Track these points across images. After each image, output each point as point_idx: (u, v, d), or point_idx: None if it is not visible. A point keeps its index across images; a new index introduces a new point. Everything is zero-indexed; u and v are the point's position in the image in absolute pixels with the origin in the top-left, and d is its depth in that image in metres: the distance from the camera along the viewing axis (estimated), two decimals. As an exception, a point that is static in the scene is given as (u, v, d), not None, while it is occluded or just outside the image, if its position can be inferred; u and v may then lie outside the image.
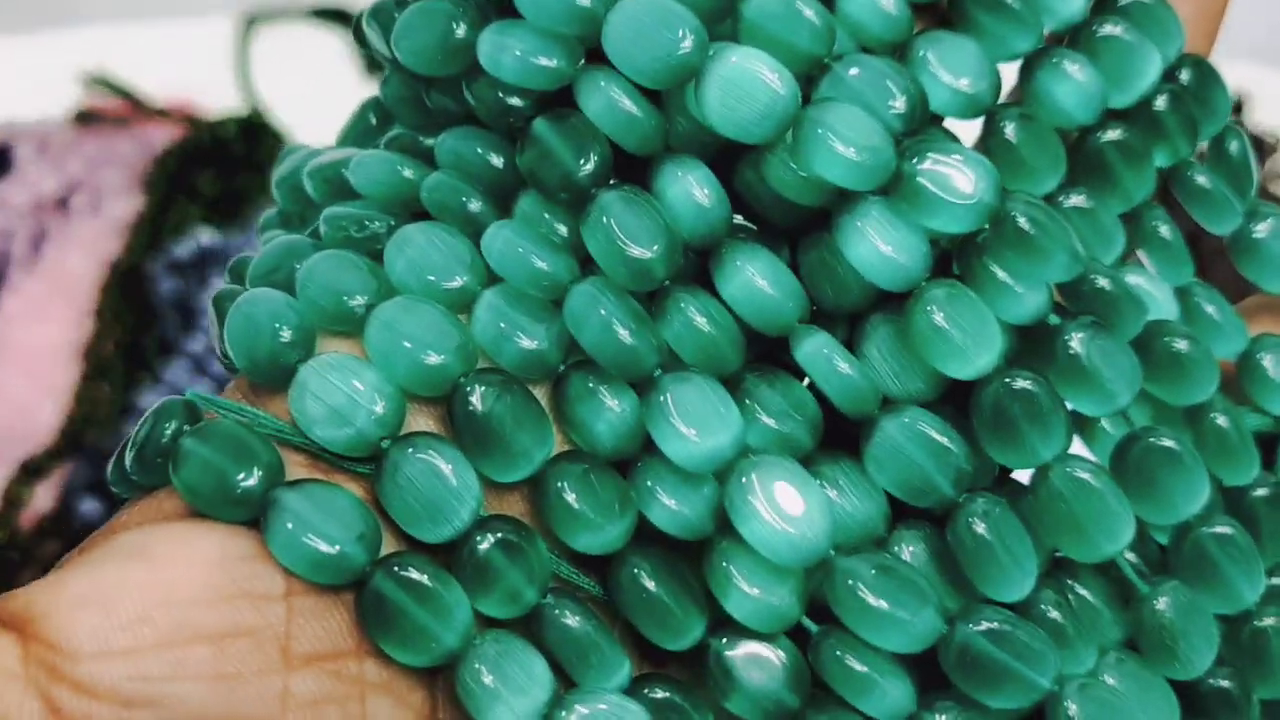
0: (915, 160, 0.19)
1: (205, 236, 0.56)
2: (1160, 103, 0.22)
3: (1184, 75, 0.22)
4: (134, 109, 0.66)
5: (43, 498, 0.47)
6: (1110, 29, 0.21)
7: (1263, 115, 0.67)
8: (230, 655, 0.17)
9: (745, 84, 0.19)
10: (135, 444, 0.19)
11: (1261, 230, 0.23)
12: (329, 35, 0.77)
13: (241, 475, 0.18)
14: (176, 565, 0.17)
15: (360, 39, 0.22)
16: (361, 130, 0.24)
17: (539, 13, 0.19)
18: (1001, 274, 0.20)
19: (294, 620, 0.17)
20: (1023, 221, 0.19)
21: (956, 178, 0.19)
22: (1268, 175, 0.68)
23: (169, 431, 0.19)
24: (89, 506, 0.46)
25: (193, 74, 0.70)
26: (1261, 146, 0.67)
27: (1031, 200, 0.20)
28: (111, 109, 0.65)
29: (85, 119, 0.64)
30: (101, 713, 0.16)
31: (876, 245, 0.19)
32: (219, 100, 0.68)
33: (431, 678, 0.19)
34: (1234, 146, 0.23)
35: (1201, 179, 0.22)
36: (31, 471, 0.47)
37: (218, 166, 0.63)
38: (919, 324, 0.19)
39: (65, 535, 0.46)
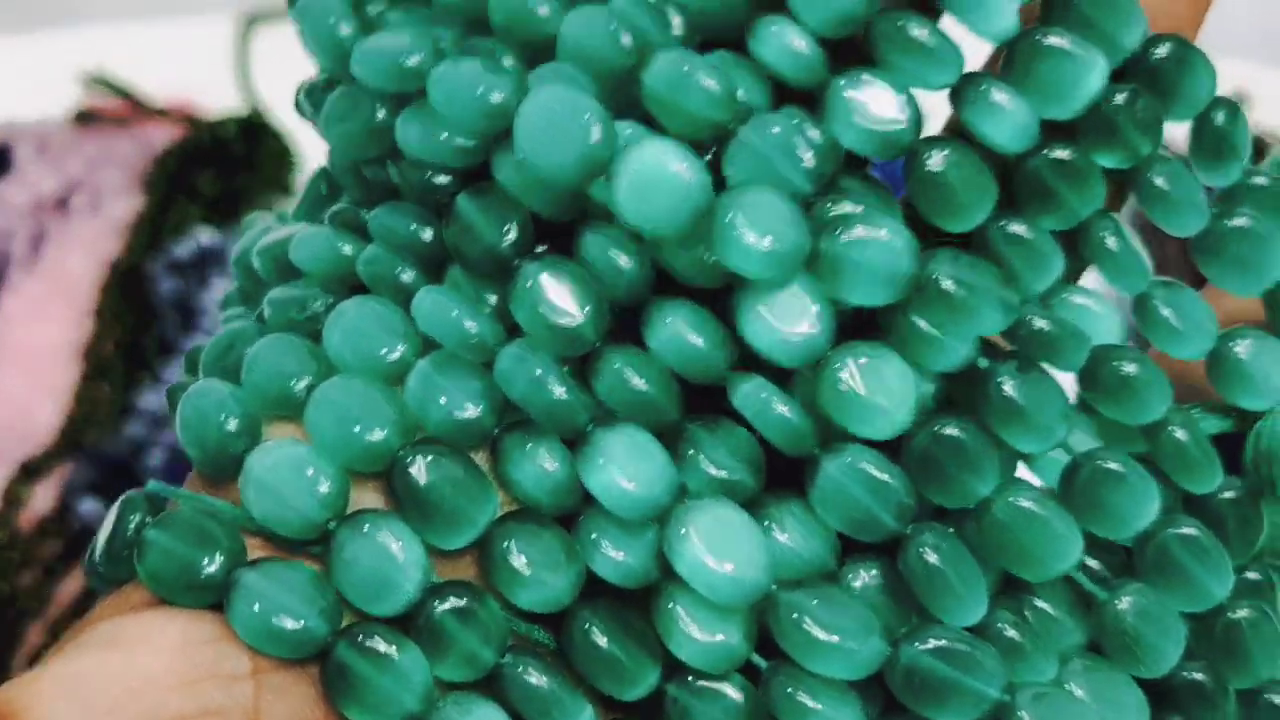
0: (833, 234, 0.19)
1: (205, 236, 0.56)
2: (1114, 102, 0.21)
3: (1153, 57, 0.21)
4: (134, 109, 0.66)
5: (42, 498, 0.47)
6: (1048, 40, 0.21)
7: (1261, 114, 0.67)
8: None
9: (655, 178, 0.19)
10: (104, 539, 0.20)
11: (1237, 222, 0.22)
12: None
13: (204, 561, 0.18)
14: (142, 654, 0.17)
15: (301, 112, 0.23)
16: (313, 200, 0.24)
17: (451, 108, 0.19)
18: (927, 328, 0.20)
19: (262, 697, 0.18)
20: (946, 284, 0.19)
21: (873, 251, 0.19)
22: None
23: (133, 524, 0.19)
24: (88, 506, 0.46)
25: (192, 74, 0.70)
26: (1260, 146, 0.67)
27: (955, 257, 0.20)
28: (111, 109, 0.65)
29: (85, 119, 0.64)
30: None
31: (776, 328, 0.19)
32: (219, 100, 0.69)
33: None
34: (1220, 117, 0.22)
35: (1160, 180, 0.21)
36: (31, 471, 0.47)
37: (217, 166, 0.63)
38: (826, 394, 0.19)
39: (65, 535, 0.46)
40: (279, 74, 0.72)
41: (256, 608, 0.18)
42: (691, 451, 0.20)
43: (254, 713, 0.18)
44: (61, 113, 0.64)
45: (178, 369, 0.51)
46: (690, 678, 0.19)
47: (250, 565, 0.19)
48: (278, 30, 0.76)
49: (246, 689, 0.18)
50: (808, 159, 0.20)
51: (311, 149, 0.67)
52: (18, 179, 0.61)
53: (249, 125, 0.65)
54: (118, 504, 0.20)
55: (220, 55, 0.73)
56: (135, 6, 0.75)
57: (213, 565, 0.18)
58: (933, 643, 0.19)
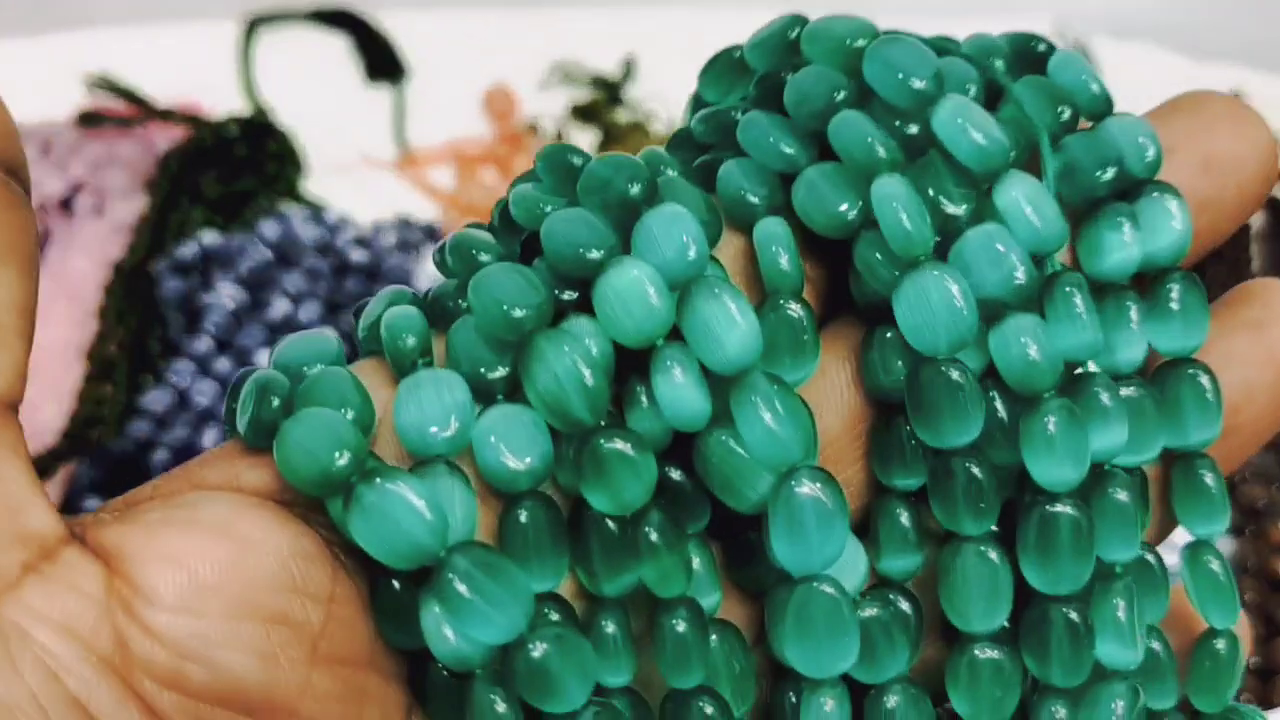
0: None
1: (208, 237, 0.56)
2: None
3: None
4: (138, 111, 0.66)
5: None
6: None
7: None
8: (274, 638, 0.19)
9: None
10: (246, 417, 0.20)
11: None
12: (330, 37, 0.77)
13: (335, 459, 0.19)
14: (254, 551, 0.19)
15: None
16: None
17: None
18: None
19: (329, 624, 0.19)
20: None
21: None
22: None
23: (272, 406, 0.20)
24: (93, 505, 0.46)
25: (196, 76, 0.70)
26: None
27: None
28: (115, 111, 0.66)
29: (89, 120, 0.64)
30: (160, 657, 0.18)
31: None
32: (222, 102, 0.69)
33: (410, 702, 0.21)
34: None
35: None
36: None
37: (221, 168, 0.63)
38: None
39: (69, 534, 0.46)
40: (281, 76, 0.73)
41: (373, 518, 0.19)
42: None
43: (318, 636, 0.19)
44: (66, 114, 0.64)
45: (181, 369, 0.51)
46: None
47: (371, 474, 0.19)
48: (280, 32, 0.77)
49: (320, 613, 0.19)
50: None
51: (313, 150, 0.67)
52: (22, 180, 0.61)
53: (252, 126, 0.65)
54: (254, 384, 0.20)
55: (223, 57, 0.73)
56: (139, 9, 0.75)
57: (341, 463, 0.19)
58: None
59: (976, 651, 0.22)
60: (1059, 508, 0.21)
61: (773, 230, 0.22)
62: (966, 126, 0.21)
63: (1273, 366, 0.24)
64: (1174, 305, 0.23)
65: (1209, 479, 0.23)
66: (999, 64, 0.23)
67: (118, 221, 0.60)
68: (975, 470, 0.21)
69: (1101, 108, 0.23)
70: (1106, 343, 0.22)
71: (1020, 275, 0.21)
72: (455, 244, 0.22)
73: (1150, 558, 0.23)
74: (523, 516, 0.20)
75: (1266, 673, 0.42)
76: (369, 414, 0.20)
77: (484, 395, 0.20)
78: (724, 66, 0.24)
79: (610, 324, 0.20)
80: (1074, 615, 0.21)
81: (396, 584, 0.20)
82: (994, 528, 0.22)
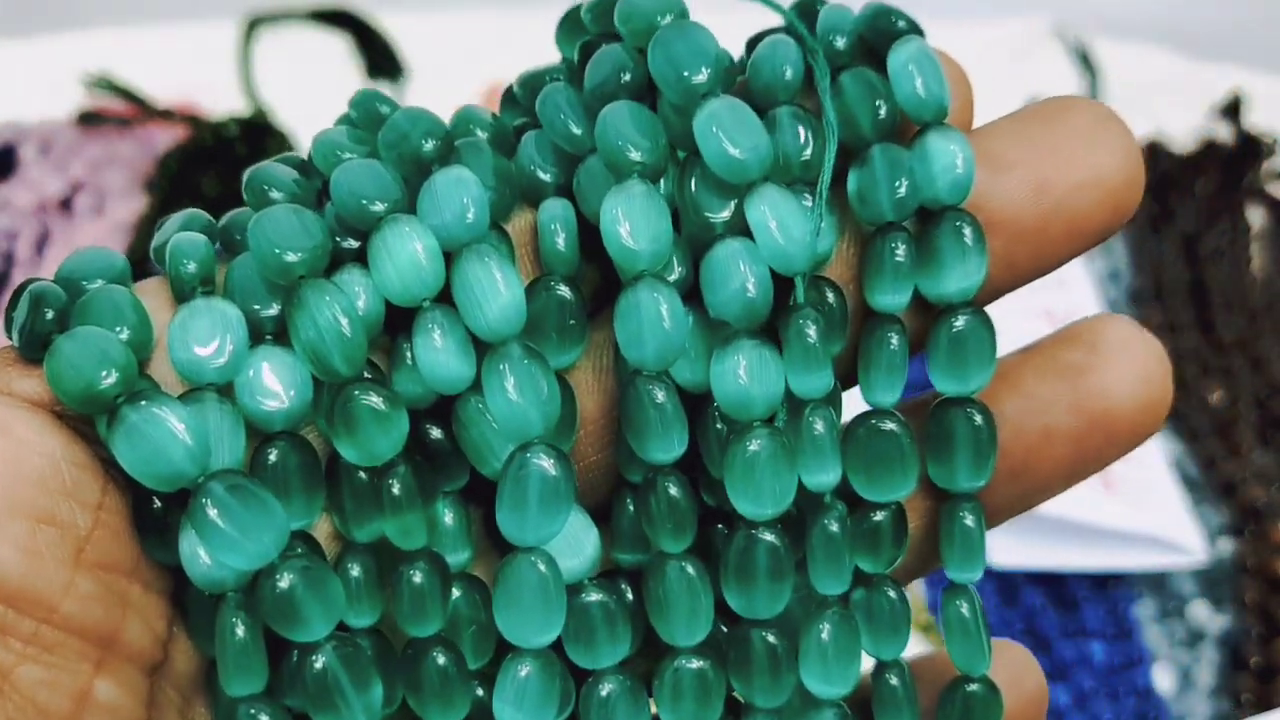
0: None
1: (208, 237, 0.56)
2: None
3: None
4: (137, 110, 0.66)
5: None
6: None
7: (1258, 117, 0.68)
8: (40, 537, 0.19)
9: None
10: (19, 326, 0.20)
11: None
12: (330, 36, 0.77)
13: (102, 377, 0.19)
14: (27, 450, 0.19)
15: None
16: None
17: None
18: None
19: (96, 531, 0.20)
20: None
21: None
22: (1265, 175, 0.69)
23: (46, 319, 0.20)
24: None
25: (196, 76, 0.70)
26: (1259, 147, 0.67)
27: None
28: (115, 110, 0.65)
29: (89, 120, 0.64)
30: None
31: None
32: (221, 101, 0.69)
33: (173, 614, 0.21)
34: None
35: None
36: None
37: (220, 167, 0.63)
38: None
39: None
40: (281, 75, 0.73)
41: (134, 439, 0.19)
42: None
43: (84, 540, 0.20)
44: (65, 114, 0.64)
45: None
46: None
47: (137, 396, 0.19)
48: (279, 32, 0.77)
49: (88, 519, 0.20)
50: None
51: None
52: (22, 180, 0.61)
53: (251, 126, 0.65)
54: (30, 295, 0.20)
55: (223, 57, 0.73)
56: (139, 9, 0.75)
57: (108, 382, 0.19)
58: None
59: (682, 661, 0.21)
60: (758, 535, 0.21)
61: (554, 211, 0.21)
62: (719, 135, 0.20)
63: (1078, 415, 0.22)
64: (950, 347, 0.21)
65: (969, 521, 0.22)
66: (840, 43, 0.22)
67: (117, 221, 0.60)
68: (673, 490, 0.21)
69: (926, 114, 0.21)
70: (868, 377, 0.22)
71: (752, 295, 0.20)
72: (251, 177, 0.22)
73: (891, 592, 0.22)
74: (272, 456, 0.20)
75: (1267, 673, 0.42)
76: (145, 334, 0.20)
77: (255, 333, 0.20)
78: (572, 25, 0.23)
79: (380, 280, 0.20)
80: (772, 639, 0.21)
81: (157, 503, 0.20)
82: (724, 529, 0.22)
